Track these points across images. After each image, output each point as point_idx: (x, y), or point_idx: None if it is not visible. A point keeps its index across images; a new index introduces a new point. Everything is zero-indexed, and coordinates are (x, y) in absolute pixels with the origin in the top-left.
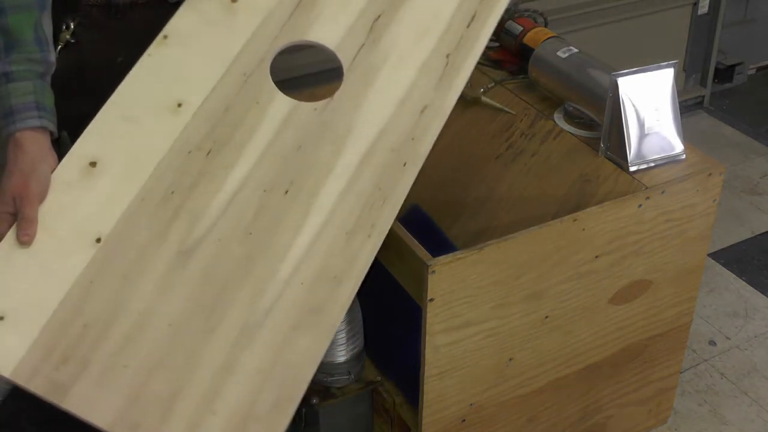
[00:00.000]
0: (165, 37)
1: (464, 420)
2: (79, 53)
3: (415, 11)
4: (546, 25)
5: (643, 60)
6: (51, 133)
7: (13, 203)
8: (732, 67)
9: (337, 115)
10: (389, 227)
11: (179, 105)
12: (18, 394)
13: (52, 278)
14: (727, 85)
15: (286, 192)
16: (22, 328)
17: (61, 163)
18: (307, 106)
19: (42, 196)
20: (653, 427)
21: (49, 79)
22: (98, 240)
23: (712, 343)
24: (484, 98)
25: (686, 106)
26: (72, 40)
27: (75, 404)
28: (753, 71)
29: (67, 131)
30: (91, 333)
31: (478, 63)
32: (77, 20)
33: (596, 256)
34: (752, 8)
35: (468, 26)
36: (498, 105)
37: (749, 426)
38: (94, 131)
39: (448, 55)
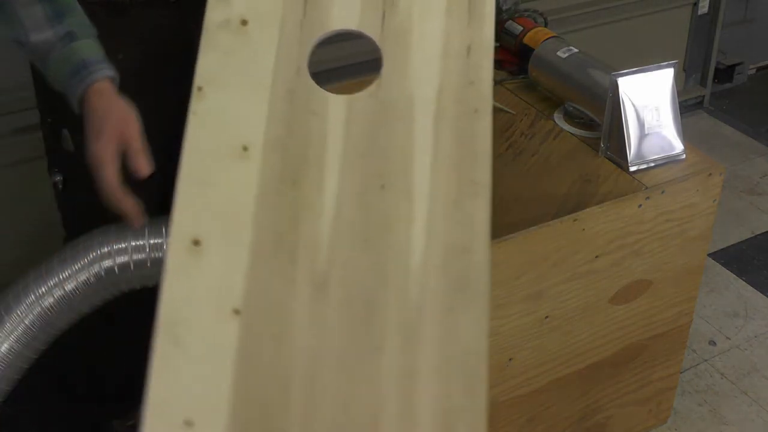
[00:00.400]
0: (199, 89)
1: None
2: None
3: None
4: (546, 25)
5: (643, 60)
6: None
7: (120, 142)
8: (732, 67)
9: (392, 91)
10: (489, 178)
11: (245, 149)
12: (18, 396)
13: (212, 367)
14: (727, 85)
15: (382, 186)
16: (209, 428)
17: (168, 251)
18: (361, 96)
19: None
20: (653, 427)
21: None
22: (236, 311)
23: (712, 343)
24: None
25: (686, 106)
26: None
27: None
28: (753, 71)
29: (67, 129)
30: (273, 405)
31: None
32: None
33: (596, 256)
34: (752, 8)
35: None
36: (498, 105)
37: (749, 426)
38: (182, 208)
39: None
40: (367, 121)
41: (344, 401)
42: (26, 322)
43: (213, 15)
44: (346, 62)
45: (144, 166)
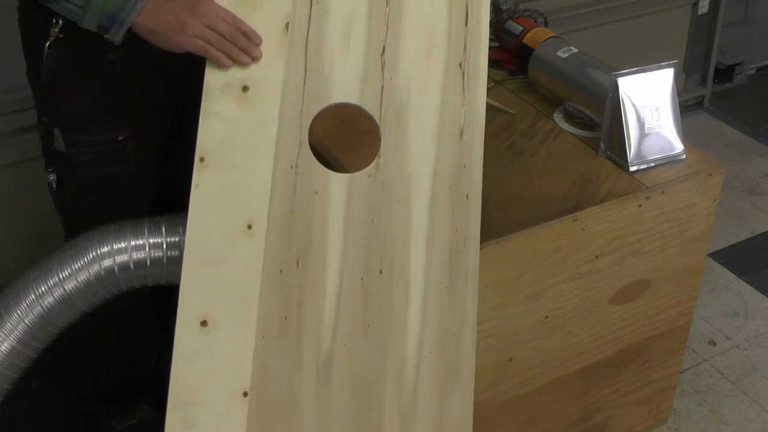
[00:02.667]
0: (201, 159)
1: None
2: (68, 49)
3: (414, 27)
4: (546, 25)
5: (643, 60)
6: None
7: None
8: (732, 67)
9: (391, 172)
10: (477, 263)
11: (249, 227)
12: (17, 395)
13: None
14: (727, 85)
15: (381, 271)
16: None
17: (177, 331)
18: (361, 176)
19: None
20: (653, 427)
21: None
22: (245, 394)
23: (712, 343)
24: None
25: (686, 106)
26: (61, 35)
27: None
28: (753, 71)
29: (58, 128)
30: None
31: None
32: None
33: (596, 256)
34: (752, 8)
35: (466, 24)
36: (498, 105)
37: (749, 426)
38: (188, 287)
39: (460, 64)
40: (366, 205)
41: None
42: (26, 322)
43: (213, 79)
44: None
45: (258, 50)
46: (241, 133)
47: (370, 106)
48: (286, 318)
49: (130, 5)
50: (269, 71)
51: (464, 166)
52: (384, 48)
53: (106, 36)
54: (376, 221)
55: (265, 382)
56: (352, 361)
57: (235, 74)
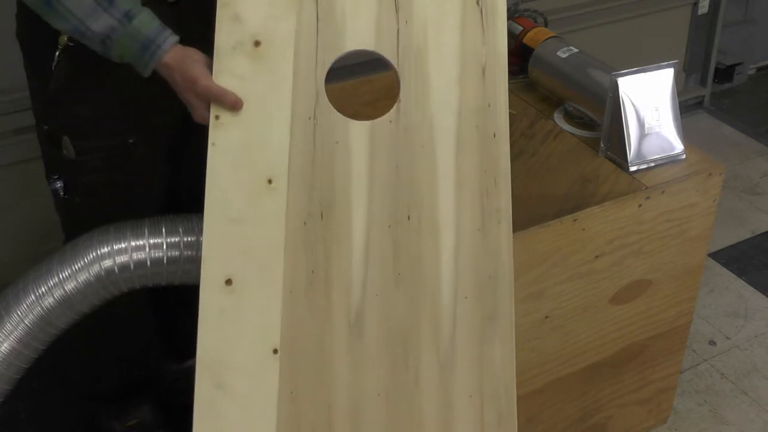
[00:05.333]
0: (216, 117)
1: None
2: (77, 57)
3: None
4: (546, 25)
5: (643, 60)
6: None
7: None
8: (732, 67)
9: (413, 117)
10: (510, 203)
11: (270, 181)
12: (17, 396)
13: (256, 407)
14: (727, 85)
15: (408, 218)
16: None
17: (202, 293)
18: (382, 122)
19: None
20: (653, 427)
21: None
22: (275, 351)
23: (712, 343)
24: None
25: (686, 106)
26: (71, 44)
27: None
28: (753, 71)
29: (67, 136)
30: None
31: None
32: None
33: (596, 256)
34: (752, 8)
35: None
36: None
37: (749, 426)
38: (212, 247)
39: (477, 2)
40: (389, 151)
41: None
42: (26, 322)
43: (224, 37)
44: (344, 63)
45: (236, 101)
46: (255, 89)
47: (387, 52)
48: (313, 272)
49: (143, 62)
50: (281, 24)
51: (489, 106)
52: None
53: None
54: (401, 167)
55: (296, 338)
56: (384, 313)
57: (246, 30)
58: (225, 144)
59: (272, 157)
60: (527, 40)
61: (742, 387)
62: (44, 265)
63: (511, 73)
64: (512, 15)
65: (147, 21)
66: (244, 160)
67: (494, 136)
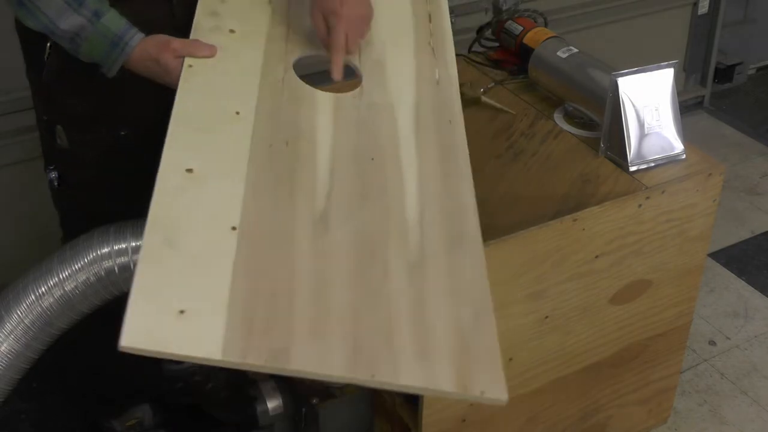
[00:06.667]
0: (189, 66)
1: (464, 420)
2: (69, 52)
3: (382, 27)
4: (546, 25)
5: (643, 60)
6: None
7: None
8: (732, 67)
9: (374, 98)
10: (466, 144)
11: (237, 113)
12: (17, 396)
13: (209, 266)
14: (727, 85)
15: (372, 159)
16: (207, 315)
17: (160, 174)
18: (346, 96)
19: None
20: (653, 427)
21: None
22: (233, 228)
23: (712, 343)
24: (484, 98)
25: (686, 106)
26: None
27: (302, 363)
28: (753, 71)
29: (61, 126)
30: (281, 301)
31: (478, 63)
32: None
33: (596, 256)
34: (752, 8)
35: (430, 21)
36: (498, 105)
37: (749, 426)
38: (176, 145)
39: (429, 42)
40: (353, 115)
41: (355, 309)
42: (26, 322)
43: (203, 21)
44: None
45: (208, 49)
46: (228, 54)
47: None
48: (278, 176)
49: (111, 60)
50: (255, 23)
51: (444, 103)
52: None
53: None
54: (365, 128)
55: (257, 223)
56: (350, 220)
57: (224, 21)
58: (194, 84)
59: (240, 98)
60: (527, 40)
61: (741, 387)
62: (44, 265)
63: (511, 73)
64: (512, 15)
65: (115, 19)
66: (213, 97)
67: (450, 122)
